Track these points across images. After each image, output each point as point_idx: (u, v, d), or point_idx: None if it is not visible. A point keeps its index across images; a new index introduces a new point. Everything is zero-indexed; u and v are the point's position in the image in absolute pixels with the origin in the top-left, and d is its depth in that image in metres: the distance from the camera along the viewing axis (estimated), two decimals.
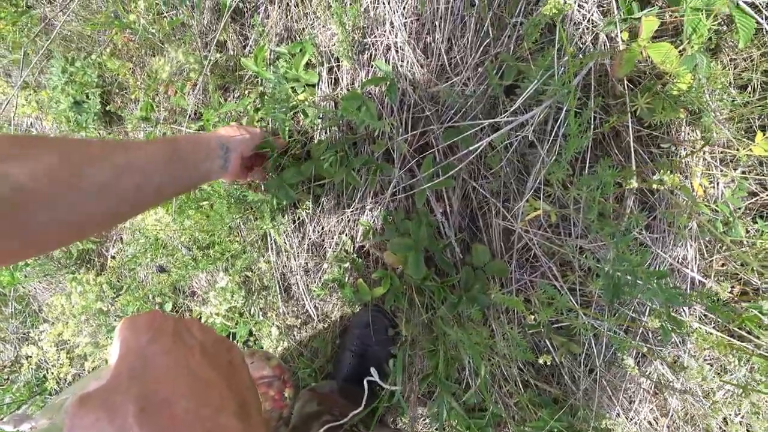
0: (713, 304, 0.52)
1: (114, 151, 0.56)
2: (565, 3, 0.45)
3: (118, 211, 0.58)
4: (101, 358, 1.45)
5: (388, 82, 0.82)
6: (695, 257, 0.88)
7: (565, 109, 0.67)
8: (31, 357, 1.50)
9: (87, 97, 1.46)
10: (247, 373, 0.42)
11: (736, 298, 0.96)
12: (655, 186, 0.52)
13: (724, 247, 0.88)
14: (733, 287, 0.97)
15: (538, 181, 0.77)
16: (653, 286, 0.52)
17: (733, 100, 0.83)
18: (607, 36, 0.79)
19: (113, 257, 1.47)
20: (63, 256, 1.56)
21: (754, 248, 0.84)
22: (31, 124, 1.73)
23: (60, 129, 1.56)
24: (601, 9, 0.84)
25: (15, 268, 1.54)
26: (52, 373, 1.54)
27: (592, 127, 0.78)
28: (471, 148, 0.67)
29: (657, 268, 0.84)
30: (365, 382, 0.97)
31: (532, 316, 0.67)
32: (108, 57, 1.36)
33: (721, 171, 0.87)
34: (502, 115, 0.67)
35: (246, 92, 1.09)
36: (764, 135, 0.77)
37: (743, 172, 0.89)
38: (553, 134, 0.77)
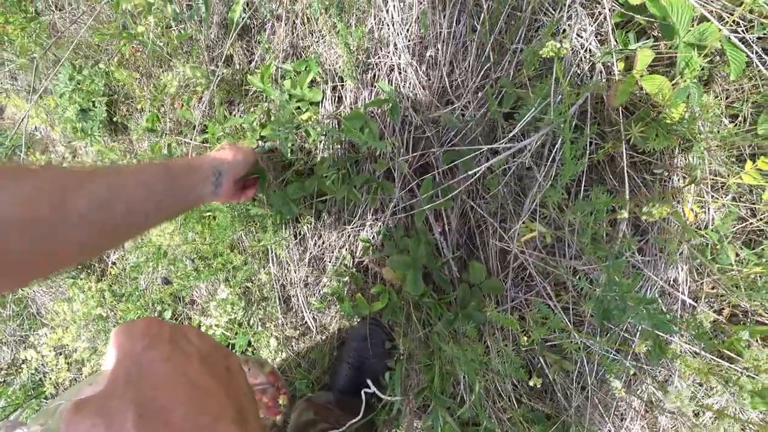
0: (699, 333, 0.54)
1: (101, 178, 0.55)
2: (561, 47, 0.48)
3: (103, 238, 0.57)
4: (99, 363, 1.46)
5: (391, 104, 0.85)
6: (686, 280, 0.91)
7: (561, 138, 0.69)
8: (29, 361, 1.51)
9: (93, 105, 1.48)
10: (244, 379, 0.43)
11: (725, 321, 0.98)
12: (644, 217, 0.55)
13: (714, 271, 0.90)
14: (722, 309, 0.99)
15: (534, 203, 0.79)
16: (642, 312, 0.54)
17: (724, 129, 0.85)
18: (603, 65, 0.82)
19: (114, 264, 1.48)
20: None
21: (743, 273, 0.87)
22: (35, 128, 1.75)
23: (65, 136, 1.58)
24: (598, 38, 0.87)
25: None
26: (50, 378, 1.54)
27: (587, 152, 0.81)
28: (470, 173, 0.70)
29: (648, 291, 0.86)
30: (362, 393, 0.99)
31: (526, 338, 0.69)
32: (116, 67, 1.39)
33: (712, 197, 0.90)
34: (501, 141, 0.70)
35: (251, 108, 1.12)
36: (753, 164, 0.80)
37: (734, 199, 0.91)
38: (549, 159, 0.80)
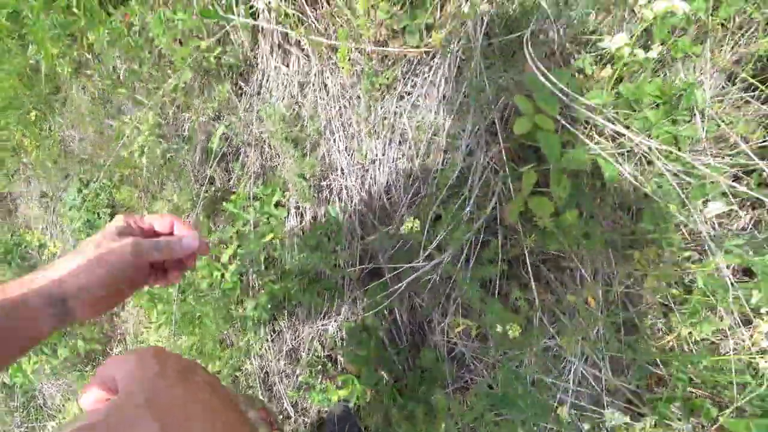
0: None
1: None
2: (414, 223, 0.65)
3: None
4: None
5: (337, 227, 1.03)
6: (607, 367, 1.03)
7: (462, 258, 0.86)
8: None
9: (98, 216, 1.69)
10: (248, 417, 0.44)
11: (653, 387, 1.10)
12: (557, 310, 0.70)
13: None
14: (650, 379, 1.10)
15: (456, 303, 0.95)
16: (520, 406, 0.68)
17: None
18: (504, 184, 1.00)
19: None
20: (70, 356, 1.70)
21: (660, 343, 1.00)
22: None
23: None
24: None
25: (29, 367, 1.69)
26: None
27: (500, 255, 0.97)
28: (392, 289, 0.86)
29: (570, 371, 0.99)
30: None
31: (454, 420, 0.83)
32: (117, 185, 1.61)
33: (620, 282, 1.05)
34: (418, 260, 0.87)
35: (231, 222, 1.31)
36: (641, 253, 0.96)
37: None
38: (471, 261, 0.96)
